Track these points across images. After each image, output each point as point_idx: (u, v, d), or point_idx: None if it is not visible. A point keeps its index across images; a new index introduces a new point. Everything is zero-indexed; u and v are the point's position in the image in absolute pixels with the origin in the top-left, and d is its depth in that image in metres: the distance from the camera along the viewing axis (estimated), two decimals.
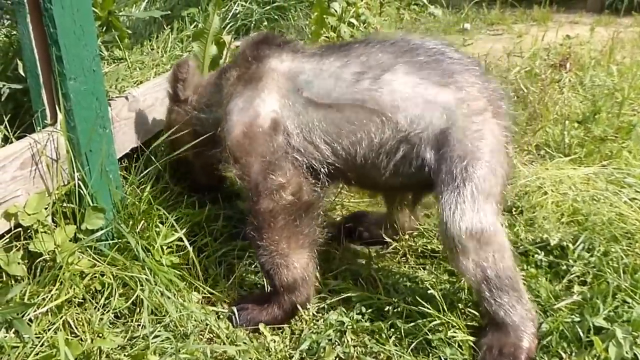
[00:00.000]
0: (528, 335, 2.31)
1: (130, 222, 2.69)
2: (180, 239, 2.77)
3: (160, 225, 2.77)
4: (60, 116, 2.49)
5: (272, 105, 2.57)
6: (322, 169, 2.58)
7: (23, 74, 2.58)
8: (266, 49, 2.69)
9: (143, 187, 2.87)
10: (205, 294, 2.67)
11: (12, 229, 2.37)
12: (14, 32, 2.99)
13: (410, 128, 2.43)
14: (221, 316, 2.52)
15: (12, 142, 2.45)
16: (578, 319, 2.40)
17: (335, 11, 5.69)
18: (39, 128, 2.53)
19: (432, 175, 2.44)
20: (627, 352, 2.19)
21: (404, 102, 2.44)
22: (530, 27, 7.89)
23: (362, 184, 2.82)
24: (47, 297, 2.34)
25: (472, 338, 2.38)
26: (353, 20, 6.08)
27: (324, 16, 5.21)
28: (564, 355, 2.29)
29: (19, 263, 2.34)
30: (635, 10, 8.62)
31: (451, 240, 2.34)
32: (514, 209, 3.24)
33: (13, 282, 2.35)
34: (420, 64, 2.49)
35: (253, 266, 2.85)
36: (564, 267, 2.77)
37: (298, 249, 2.54)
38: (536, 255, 2.84)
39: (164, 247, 2.72)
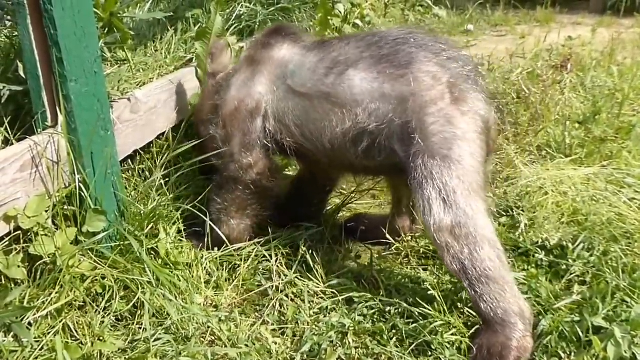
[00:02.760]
0: (517, 332, 2.29)
1: (136, 224, 2.69)
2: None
3: (165, 223, 2.78)
4: (61, 118, 2.49)
5: (260, 89, 2.80)
6: (293, 149, 2.81)
7: (24, 76, 2.58)
8: (273, 38, 2.90)
9: (150, 188, 2.87)
10: (207, 296, 2.67)
11: (12, 231, 2.36)
12: (15, 34, 2.98)
13: (369, 120, 2.55)
14: (223, 318, 2.51)
15: (12, 144, 2.44)
16: (577, 319, 2.40)
17: (340, 12, 5.69)
18: (39, 130, 2.53)
19: (405, 170, 2.49)
20: (625, 352, 2.20)
21: (362, 96, 2.56)
22: (534, 28, 7.91)
23: (338, 166, 2.96)
24: (47, 300, 2.34)
25: (469, 340, 2.38)
26: (358, 22, 6.08)
27: (328, 17, 5.21)
28: (563, 355, 2.29)
29: (18, 266, 2.33)
30: (638, 11, 8.61)
31: (429, 233, 2.42)
32: (516, 209, 3.23)
33: (13, 285, 2.34)
34: (380, 58, 2.59)
35: (255, 268, 2.85)
36: (564, 267, 2.78)
37: (242, 216, 2.96)
38: (537, 255, 2.85)
39: (171, 247, 2.74)
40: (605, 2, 9.47)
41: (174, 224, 2.86)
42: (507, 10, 9.28)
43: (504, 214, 3.23)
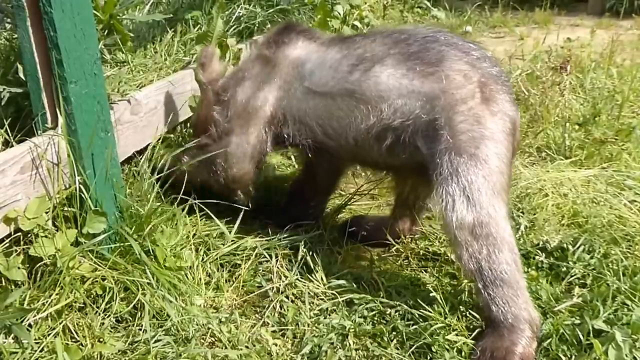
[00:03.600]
0: (524, 338, 2.27)
1: (134, 225, 2.69)
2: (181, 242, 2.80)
3: (165, 228, 2.77)
4: (61, 120, 2.49)
5: (278, 93, 2.83)
6: (313, 147, 2.86)
7: (23, 78, 2.57)
8: (286, 36, 2.90)
9: (149, 189, 2.87)
10: (207, 297, 2.67)
11: (12, 233, 2.36)
12: (15, 36, 2.98)
13: (394, 116, 2.55)
14: (223, 320, 2.51)
15: (12, 145, 2.44)
16: (578, 322, 2.39)
17: (339, 14, 5.69)
18: (39, 132, 2.52)
19: (428, 166, 2.49)
20: (626, 355, 2.19)
21: (388, 92, 2.55)
22: (532, 30, 7.92)
23: (361, 162, 3.03)
24: (47, 302, 2.33)
25: (471, 342, 2.37)
26: (357, 23, 6.08)
27: (327, 19, 5.21)
28: (563, 358, 2.28)
29: (18, 268, 2.32)
30: (636, 12, 8.63)
31: (448, 231, 2.42)
32: (515, 210, 3.23)
33: (13, 286, 2.33)
34: (409, 54, 2.58)
35: (255, 269, 2.85)
36: (564, 269, 2.77)
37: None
38: (537, 257, 2.84)
39: (169, 250, 2.72)
40: (604, 4, 9.49)
41: (175, 224, 2.86)
42: (505, 11, 9.29)
43: None
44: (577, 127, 4.25)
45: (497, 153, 2.42)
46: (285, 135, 2.86)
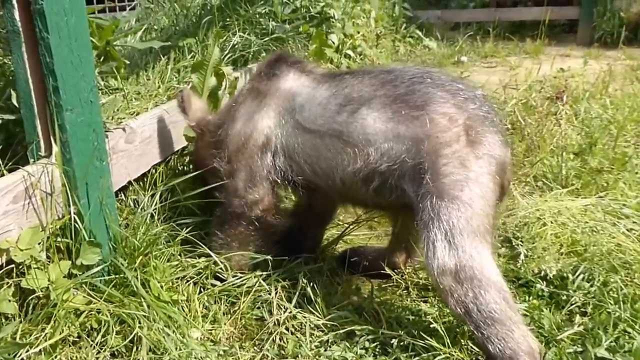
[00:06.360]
0: None
1: (131, 256, 2.63)
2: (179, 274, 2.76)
3: (157, 261, 2.72)
4: (55, 148, 2.44)
5: (269, 122, 2.79)
6: (303, 185, 2.84)
7: (16, 104, 2.54)
8: (277, 68, 2.89)
9: (144, 220, 2.83)
10: (205, 330, 2.61)
11: (4, 265, 2.30)
12: (5, 62, 2.94)
13: (380, 161, 2.52)
14: (222, 353, 2.46)
15: (4, 174, 2.39)
16: (580, 350, 2.39)
17: (333, 43, 5.72)
18: (32, 160, 2.47)
19: (413, 210, 2.46)
20: None
21: (374, 136, 2.54)
22: (523, 60, 7.98)
23: (350, 202, 2.97)
24: (40, 336, 2.27)
25: None
26: (350, 52, 6.12)
27: (323, 48, 5.23)
28: None
29: (10, 300, 2.27)
30: (624, 43, 8.73)
31: (431, 277, 2.37)
32: (514, 239, 3.22)
33: (4, 320, 2.28)
34: (394, 97, 2.56)
35: (254, 301, 2.79)
36: (565, 297, 2.76)
37: (244, 250, 2.93)
38: (537, 286, 2.83)
39: (163, 284, 2.66)
40: (592, 35, 9.66)
41: (170, 256, 2.81)
42: (496, 41, 9.42)
43: (504, 244, 3.20)
44: (573, 156, 4.25)
45: (482, 195, 2.38)
46: (277, 168, 2.83)
